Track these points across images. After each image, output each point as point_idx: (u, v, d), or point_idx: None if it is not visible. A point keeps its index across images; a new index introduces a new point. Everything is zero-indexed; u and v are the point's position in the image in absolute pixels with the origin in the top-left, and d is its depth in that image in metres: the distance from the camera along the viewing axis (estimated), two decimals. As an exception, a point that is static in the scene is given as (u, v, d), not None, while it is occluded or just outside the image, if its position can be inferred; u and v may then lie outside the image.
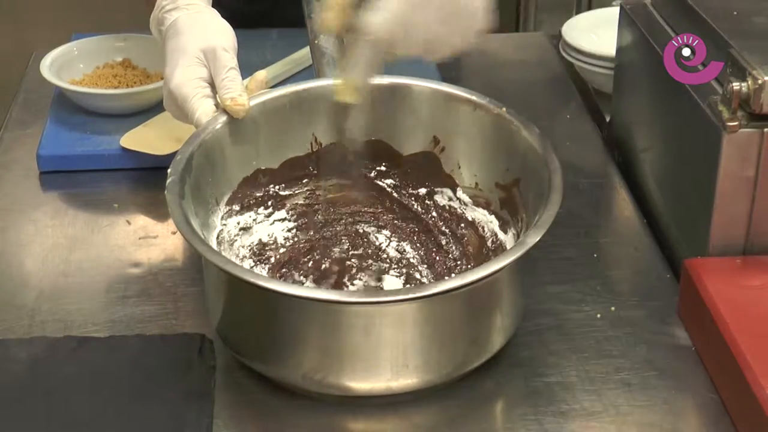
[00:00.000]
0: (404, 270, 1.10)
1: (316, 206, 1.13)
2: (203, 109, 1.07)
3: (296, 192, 1.13)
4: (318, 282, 1.07)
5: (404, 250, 1.12)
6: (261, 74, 1.12)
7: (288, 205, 1.12)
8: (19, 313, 1.07)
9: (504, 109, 1.07)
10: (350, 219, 1.14)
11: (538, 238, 0.91)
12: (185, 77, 1.08)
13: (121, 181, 1.29)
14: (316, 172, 1.13)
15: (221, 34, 1.11)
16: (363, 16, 0.90)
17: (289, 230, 1.12)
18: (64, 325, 1.05)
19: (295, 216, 1.12)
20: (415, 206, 1.14)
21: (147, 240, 1.18)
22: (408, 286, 1.07)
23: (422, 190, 1.14)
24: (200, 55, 1.09)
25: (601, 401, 0.96)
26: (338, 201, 1.14)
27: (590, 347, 1.02)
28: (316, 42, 1.19)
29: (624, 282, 1.12)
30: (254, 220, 1.10)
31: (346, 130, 1.01)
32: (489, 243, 1.08)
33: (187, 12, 1.13)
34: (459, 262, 1.09)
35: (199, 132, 1.05)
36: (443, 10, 0.91)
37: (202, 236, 0.96)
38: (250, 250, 1.08)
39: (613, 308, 1.07)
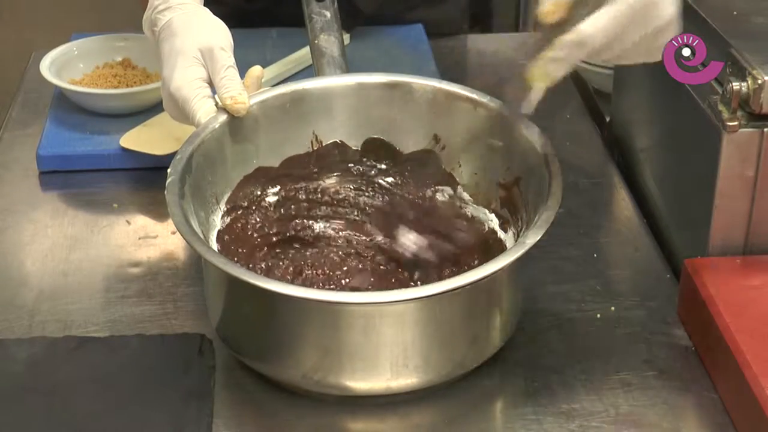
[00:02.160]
0: (404, 268, 1.10)
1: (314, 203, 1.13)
2: (204, 110, 1.06)
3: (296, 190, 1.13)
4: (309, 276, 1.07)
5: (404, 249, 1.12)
6: (256, 70, 1.12)
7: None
8: (19, 313, 1.07)
9: (504, 107, 1.07)
10: (348, 217, 1.14)
11: (537, 238, 0.91)
12: (185, 79, 1.08)
13: (120, 181, 1.29)
14: (316, 170, 1.13)
15: (217, 33, 1.11)
16: (577, 23, 0.93)
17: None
18: (63, 325, 1.05)
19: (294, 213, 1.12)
20: (415, 204, 1.14)
21: (147, 240, 1.18)
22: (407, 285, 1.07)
23: (422, 189, 1.14)
24: (198, 55, 1.09)
25: (601, 401, 0.96)
26: (337, 199, 1.14)
27: (590, 347, 1.02)
28: (316, 42, 1.19)
29: (624, 282, 1.12)
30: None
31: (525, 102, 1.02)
32: (489, 242, 1.08)
33: (180, 12, 1.13)
34: (458, 261, 1.09)
35: (198, 131, 1.04)
36: (642, 36, 0.94)
37: (202, 236, 0.96)
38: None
39: (613, 308, 1.07)
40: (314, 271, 1.08)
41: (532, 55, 0.98)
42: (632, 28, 0.94)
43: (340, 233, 1.13)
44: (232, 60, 1.09)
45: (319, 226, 1.13)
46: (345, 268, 1.09)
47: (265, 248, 1.08)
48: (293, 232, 1.11)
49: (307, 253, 1.11)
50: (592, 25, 0.93)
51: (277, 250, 1.09)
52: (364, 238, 1.13)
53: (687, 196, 1.11)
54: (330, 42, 1.18)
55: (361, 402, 0.96)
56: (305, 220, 1.13)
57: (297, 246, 1.11)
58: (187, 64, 1.09)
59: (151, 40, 1.17)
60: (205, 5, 1.17)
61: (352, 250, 1.11)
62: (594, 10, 0.94)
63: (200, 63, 1.09)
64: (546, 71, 0.98)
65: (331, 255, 1.11)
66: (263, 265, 1.07)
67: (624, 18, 0.93)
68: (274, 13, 1.59)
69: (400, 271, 1.09)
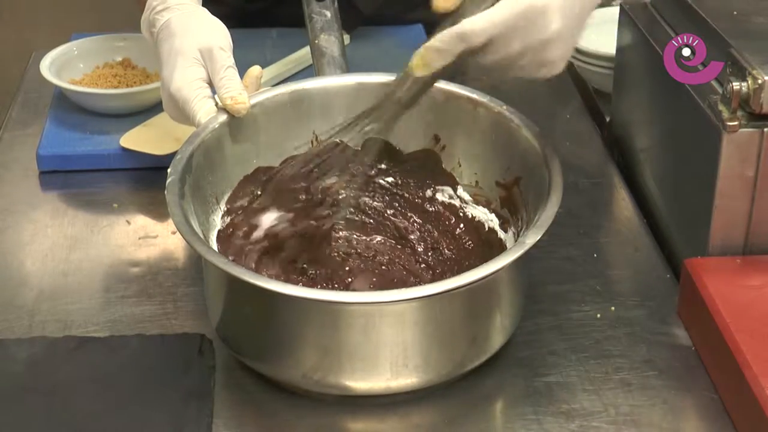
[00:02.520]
0: (404, 266, 1.10)
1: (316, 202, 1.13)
2: (205, 110, 1.06)
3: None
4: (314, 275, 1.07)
5: (403, 247, 1.12)
6: (255, 70, 1.12)
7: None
8: (19, 313, 1.07)
9: (504, 107, 1.07)
10: (348, 215, 1.14)
11: (537, 238, 0.91)
12: (185, 79, 1.08)
13: (120, 181, 1.29)
14: (315, 170, 1.13)
15: (216, 34, 1.11)
16: (465, 18, 0.93)
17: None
18: (63, 325, 1.05)
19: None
20: (416, 204, 1.14)
21: (147, 240, 1.18)
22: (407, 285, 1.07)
23: (423, 189, 1.14)
24: (197, 55, 1.09)
25: (601, 401, 0.96)
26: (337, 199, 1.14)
27: (590, 347, 1.02)
28: (316, 42, 1.19)
29: (624, 282, 1.12)
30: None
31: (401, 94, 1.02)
32: (489, 242, 1.08)
33: (178, 12, 1.13)
34: (458, 261, 1.09)
35: (198, 131, 1.05)
36: (526, 45, 0.94)
37: (202, 236, 0.96)
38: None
39: (613, 308, 1.07)
40: (316, 271, 1.08)
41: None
42: (516, 33, 0.93)
43: (341, 233, 1.13)
44: (231, 60, 1.09)
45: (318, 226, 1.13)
46: (347, 268, 1.09)
47: (266, 248, 1.08)
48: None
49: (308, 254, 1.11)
50: (475, 22, 0.93)
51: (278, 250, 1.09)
52: (364, 238, 1.13)
53: (687, 196, 1.11)
54: (330, 42, 1.18)
55: (361, 402, 0.96)
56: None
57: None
58: (187, 64, 1.09)
59: (150, 41, 1.17)
60: (204, 5, 1.17)
61: (353, 251, 1.11)
62: (486, 6, 0.94)
63: (200, 63, 1.09)
64: (426, 61, 0.97)
65: (332, 255, 1.11)
66: (264, 267, 1.07)
67: (507, 21, 0.92)
68: (274, 14, 1.59)
69: (402, 268, 1.09)
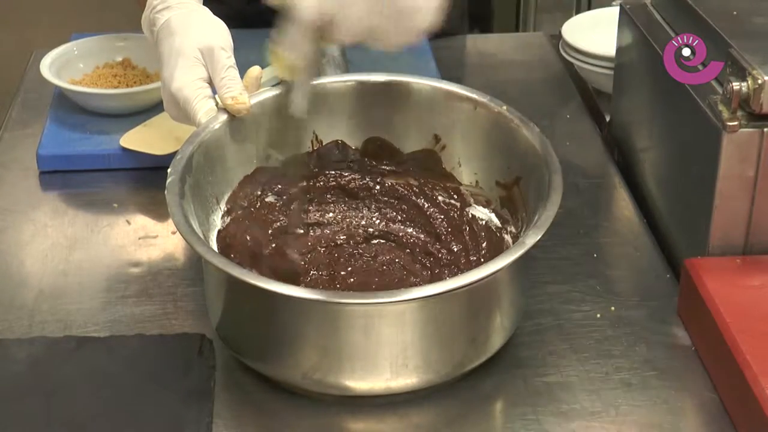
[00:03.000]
0: (404, 266, 1.10)
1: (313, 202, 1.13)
2: (206, 110, 1.06)
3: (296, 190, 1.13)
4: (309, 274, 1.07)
5: (404, 247, 1.12)
6: (254, 70, 1.12)
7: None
8: (19, 313, 1.07)
9: (504, 107, 1.07)
10: (349, 216, 1.14)
11: (537, 238, 0.91)
12: (185, 79, 1.08)
13: (120, 181, 1.29)
14: (316, 169, 1.13)
15: (217, 33, 1.11)
16: None
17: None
18: (63, 325, 1.05)
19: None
20: (416, 204, 1.14)
21: (147, 240, 1.18)
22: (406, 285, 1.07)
23: (423, 188, 1.14)
24: (198, 55, 1.09)
25: (601, 401, 0.96)
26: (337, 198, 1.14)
27: (590, 347, 1.02)
28: (316, 42, 1.19)
29: (624, 282, 1.12)
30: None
31: (290, 104, 1.00)
32: (489, 242, 1.08)
33: (179, 11, 1.13)
34: (458, 261, 1.09)
35: (199, 131, 1.05)
36: (380, 5, 0.91)
37: (202, 236, 0.96)
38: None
39: (612, 308, 1.07)
40: (319, 273, 1.08)
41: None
42: (355, 4, 0.89)
43: (341, 232, 1.13)
44: (232, 60, 1.09)
45: (319, 226, 1.13)
46: (349, 269, 1.09)
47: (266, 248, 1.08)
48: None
49: (309, 253, 1.11)
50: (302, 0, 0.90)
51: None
52: (365, 236, 1.13)
53: (687, 196, 1.11)
54: (331, 42, 1.18)
55: (361, 402, 0.96)
56: (306, 220, 1.13)
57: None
58: (188, 64, 1.09)
59: (150, 40, 1.17)
60: (205, 6, 1.17)
61: (354, 251, 1.11)
62: None
63: (201, 63, 1.09)
64: (285, 64, 0.95)
65: (333, 254, 1.11)
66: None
67: None
68: (274, 15, 1.59)
69: (403, 268, 1.09)
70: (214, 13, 1.15)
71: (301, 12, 0.90)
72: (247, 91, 1.08)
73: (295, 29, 0.92)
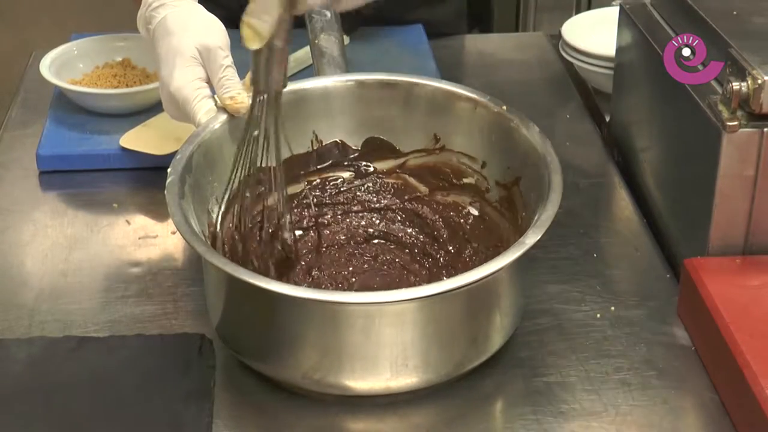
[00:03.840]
0: (404, 266, 1.10)
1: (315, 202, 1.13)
2: (205, 110, 1.06)
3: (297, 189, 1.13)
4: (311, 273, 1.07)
5: (404, 247, 1.12)
6: None
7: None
8: (19, 313, 1.07)
9: (504, 107, 1.07)
10: (349, 217, 1.14)
11: (537, 238, 0.91)
12: (184, 79, 1.08)
13: (120, 181, 1.29)
14: (317, 169, 1.13)
15: (214, 32, 1.11)
16: None
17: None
18: (63, 325, 1.05)
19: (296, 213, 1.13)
20: (416, 204, 1.14)
21: (147, 240, 1.18)
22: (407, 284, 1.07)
23: (423, 188, 1.14)
24: (196, 54, 1.09)
25: (601, 401, 0.96)
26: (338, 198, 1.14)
27: (590, 347, 1.02)
28: (316, 42, 1.19)
29: (624, 282, 1.12)
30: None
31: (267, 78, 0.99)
32: (489, 241, 1.08)
33: (174, 9, 1.12)
34: (458, 261, 1.09)
35: (198, 131, 1.05)
36: None
37: (202, 236, 0.96)
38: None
39: (612, 308, 1.07)
40: (321, 273, 1.08)
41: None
42: None
43: (342, 233, 1.13)
44: (230, 59, 1.09)
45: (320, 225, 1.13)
46: (351, 269, 1.09)
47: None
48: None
49: (309, 253, 1.11)
50: None
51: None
52: (366, 236, 1.13)
53: (687, 195, 1.11)
54: (330, 42, 1.18)
55: (361, 402, 0.96)
56: (306, 220, 1.13)
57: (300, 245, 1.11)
58: (186, 64, 1.08)
59: (147, 38, 1.16)
60: (204, 7, 1.17)
61: (355, 251, 1.11)
62: None
63: (198, 62, 1.09)
64: (255, 29, 0.92)
65: (334, 254, 1.11)
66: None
67: None
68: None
69: (403, 268, 1.09)
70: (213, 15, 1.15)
71: None
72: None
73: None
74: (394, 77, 1.13)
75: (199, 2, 1.18)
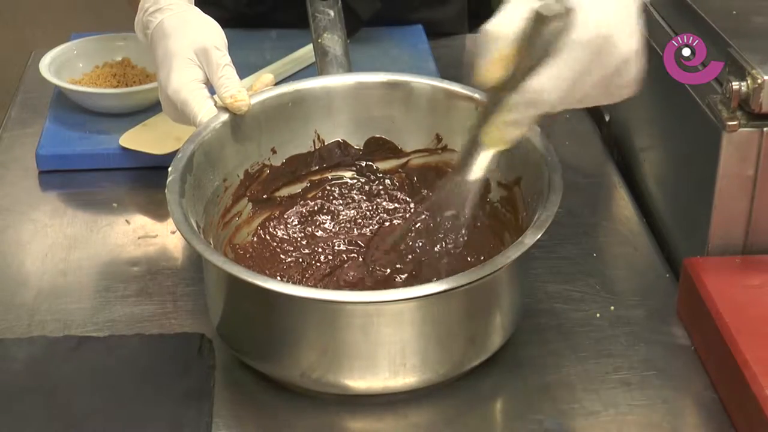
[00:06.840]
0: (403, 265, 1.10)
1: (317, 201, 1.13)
2: (205, 110, 1.06)
3: (299, 189, 1.13)
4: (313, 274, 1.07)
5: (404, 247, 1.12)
6: (267, 78, 1.12)
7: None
8: (19, 313, 1.07)
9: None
10: (351, 216, 1.14)
11: (537, 238, 0.91)
12: (181, 81, 1.08)
13: (120, 181, 1.29)
14: (318, 168, 1.13)
15: (210, 33, 1.10)
16: (525, 76, 0.86)
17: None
18: (63, 325, 1.05)
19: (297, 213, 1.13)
20: (416, 204, 1.14)
21: (146, 239, 1.18)
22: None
23: (424, 188, 1.14)
24: (192, 56, 1.09)
25: (601, 401, 0.96)
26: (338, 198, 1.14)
27: (589, 347, 1.02)
28: (319, 41, 1.19)
29: (623, 281, 1.12)
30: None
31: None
32: (489, 241, 1.08)
33: (171, 13, 1.12)
34: (457, 261, 1.09)
35: (200, 130, 1.04)
36: (601, 78, 0.87)
37: (202, 236, 0.96)
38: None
39: (612, 308, 1.07)
40: (320, 272, 1.08)
41: (483, 117, 0.91)
42: (589, 71, 0.85)
43: (343, 233, 1.13)
44: (228, 58, 1.09)
45: (321, 225, 1.13)
46: (352, 272, 1.09)
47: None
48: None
49: (310, 253, 1.11)
50: (545, 80, 0.85)
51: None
52: (366, 237, 1.13)
53: (686, 195, 1.11)
54: (333, 41, 1.18)
55: (360, 401, 0.96)
56: (307, 219, 1.13)
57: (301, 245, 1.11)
58: (183, 65, 1.08)
59: (145, 43, 1.17)
60: (204, 9, 1.17)
61: (356, 251, 1.11)
62: (542, 58, 0.85)
63: (195, 64, 1.09)
64: (502, 136, 0.91)
65: (335, 254, 1.11)
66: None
67: (579, 63, 0.84)
68: (273, 18, 1.59)
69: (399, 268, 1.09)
70: (213, 16, 1.15)
71: (544, 96, 0.85)
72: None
73: (529, 110, 0.87)
74: (394, 77, 1.13)
75: (195, 4, 1.18)
